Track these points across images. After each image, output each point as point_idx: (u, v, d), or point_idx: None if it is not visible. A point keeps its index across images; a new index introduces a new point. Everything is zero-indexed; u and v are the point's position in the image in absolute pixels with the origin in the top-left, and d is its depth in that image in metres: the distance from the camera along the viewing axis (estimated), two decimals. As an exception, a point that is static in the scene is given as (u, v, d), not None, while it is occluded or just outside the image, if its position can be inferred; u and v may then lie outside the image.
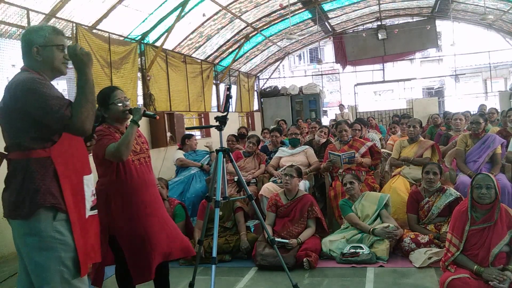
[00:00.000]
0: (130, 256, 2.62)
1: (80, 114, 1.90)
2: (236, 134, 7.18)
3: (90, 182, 2.08)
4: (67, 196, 1.94)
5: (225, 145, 3.33)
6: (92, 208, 2.09)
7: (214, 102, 11.15)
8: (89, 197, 2.06)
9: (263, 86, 14.91)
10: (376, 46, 13.37)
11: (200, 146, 6.51)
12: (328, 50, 18.48)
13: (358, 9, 12.13)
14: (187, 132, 6.97)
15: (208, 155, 6.11)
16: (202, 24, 8.60)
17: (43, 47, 2.02)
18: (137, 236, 2.62)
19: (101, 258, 2.21)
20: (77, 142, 2.07)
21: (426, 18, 13.13)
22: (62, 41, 2.08)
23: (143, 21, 7.02)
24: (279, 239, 4.03)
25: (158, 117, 2.82)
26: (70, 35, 5.72)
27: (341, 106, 13.65)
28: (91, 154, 2.44)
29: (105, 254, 2.69)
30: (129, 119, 2.64)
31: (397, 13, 13.34)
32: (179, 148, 6.33)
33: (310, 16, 11.42)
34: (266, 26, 10.78)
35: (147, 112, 2.68)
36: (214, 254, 2.94)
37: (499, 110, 8.08)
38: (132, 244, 2.62)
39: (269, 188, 4.94)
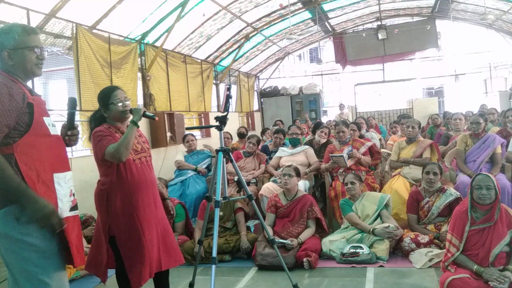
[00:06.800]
0: (126, 258, 2.62)
1: None
2: (230, 133, 7.22)
3: (63, 180, 1.98)
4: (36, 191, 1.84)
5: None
6: (72, 209, 2.00)
7: (214, 102, 11.12)
8: (64, 196, 1.97)
9: (263, 86, 14.90)
10: (376, 46, 13.35)
11: (200, 146, 6.50)
12: (328, 50, 18.45)
13: (358, 9, 12.11)
14: (186, 132, 6.97)
15: (209, 158, 6.07)
16: (202, 24, 8.59)
17: (13, 51, 1.93)
18: (134, 237, 2.61)
19: (85, 261, 2.15)
20: (48, 140, 1.98)
21: (426, 18, 13.12)
22: (35, 41, 1.98)
23: (143, 21, 7.01)
24: (279, 239, 4.04)
25: (157, 118, 2.82)
26: (70, 35, 5.72)
27: (341, 106, 13.66)
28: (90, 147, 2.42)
29: (107, 256, 2.69)
30: (129, 119, 2.65)
31: (397, 13, 13.32)
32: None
33: (310, 16, 11.41)
34: (266, 26, 10.77)
35: (146, 113, 2.68)
36: (214, 254, 2.94)
37: (499, 110, 8.08)
38: (130, 244, 2.61)
39: (269, 187, 4.94)
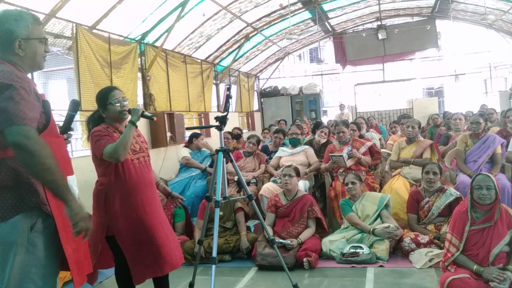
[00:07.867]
0: (129, 256, 2.63)
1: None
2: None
3: (73, 183, 1.96)
4: (49, 198, 1.75)
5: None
6: None
7: (214, 102, 11.12)
8: None
9: (263, 86, 14.90)
10: (376, 46, 13.35)
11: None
12: (328, 50, 18.46)
13: (358, 9, 12.11)
14: (191, 131, 6.99)
15: (209, 157, 6.12)
16: (202, 24, 8.59)
17: (26, 41, 1.77)
18: (136, 236, 2.62)
19: (92, 268, 2.11)
20: (58, 141, 1.90)
21: (426, 18, 13.12)
22: (43, 33, 1.88)
23: (143, 21, 7.01)
24: (279, 240, 4.04)
25: (155, 118, 2.83)
26: (70, 35, 5.72)
27: (341, 106, 13.66)
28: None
29: (102, 256, 2.69)
30: (128, 119, 2.65)
31: (397, 13, 13.32)
32: (185, 146, 6.36)
33: (310, 16, 11.41)
34: (266, 26, 10.76)
35: (145, 113, 2.69)
36: (214, 254, 2.94)
37: (498, 110, 8.08)
38: (131, 243, 2.62)
39: (269, 188, 4.94)
